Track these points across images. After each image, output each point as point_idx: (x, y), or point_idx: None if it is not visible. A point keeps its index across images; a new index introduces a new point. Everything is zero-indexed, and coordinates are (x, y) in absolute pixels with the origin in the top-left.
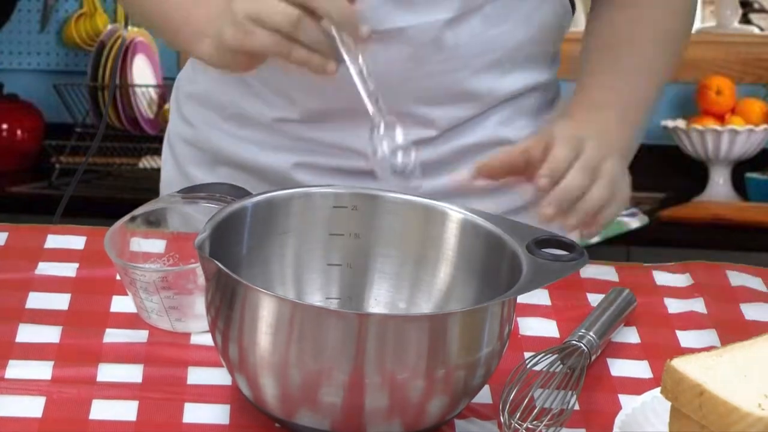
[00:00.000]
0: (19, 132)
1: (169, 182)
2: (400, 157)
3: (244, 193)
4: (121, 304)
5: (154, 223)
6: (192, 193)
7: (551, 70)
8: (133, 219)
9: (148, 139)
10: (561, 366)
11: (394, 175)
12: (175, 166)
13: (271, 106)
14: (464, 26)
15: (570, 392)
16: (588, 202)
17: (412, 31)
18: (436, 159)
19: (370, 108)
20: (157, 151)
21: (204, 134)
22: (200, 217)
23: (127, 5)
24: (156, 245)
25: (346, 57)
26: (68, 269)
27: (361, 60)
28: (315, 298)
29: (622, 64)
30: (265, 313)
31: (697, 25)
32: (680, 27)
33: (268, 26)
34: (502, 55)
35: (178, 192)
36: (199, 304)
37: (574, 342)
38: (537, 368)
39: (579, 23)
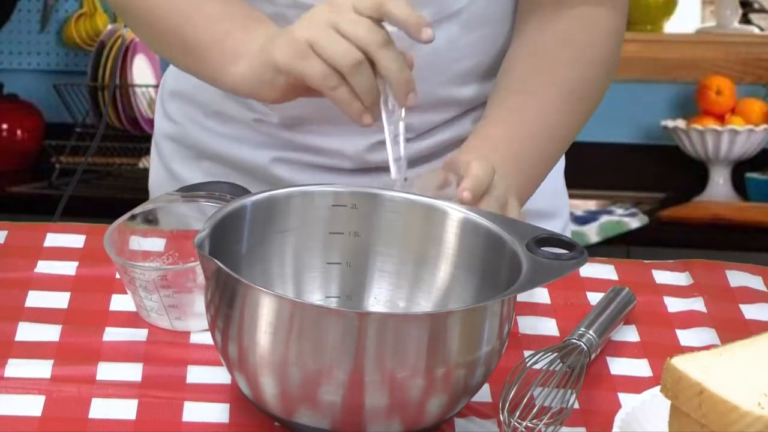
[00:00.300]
0: (19, 132)
1: (156, 180)
2: None
3: (243, 192)
4: (121, 302)
5: (153, 221)
6: (191, 192)
7: None
8: (132, 217)
9: (148, 139)
10: (561, 364)
11: None
12: (160, 163)
13: (252, 109)
14: (441, 32)
15: (570, 391)
16: None
17: None
18: (414, 154)
19: (394, 173)
20: None
21: (187, 130)
22: (199, 216)
23: (128, 20)
24: (155, 244)
25: (385, 117)
26: (68, 268)
27: (401, 126)
28: (315, 296)
29: (525, 113)
30: (265, 311)
31: (697, 25)
32: (592, 95)
33: (327, 58)
34: (480, 61)
35: (178, 191)
36: (198, 302)
37: (573, 340)
38: (537, 367)
39: None
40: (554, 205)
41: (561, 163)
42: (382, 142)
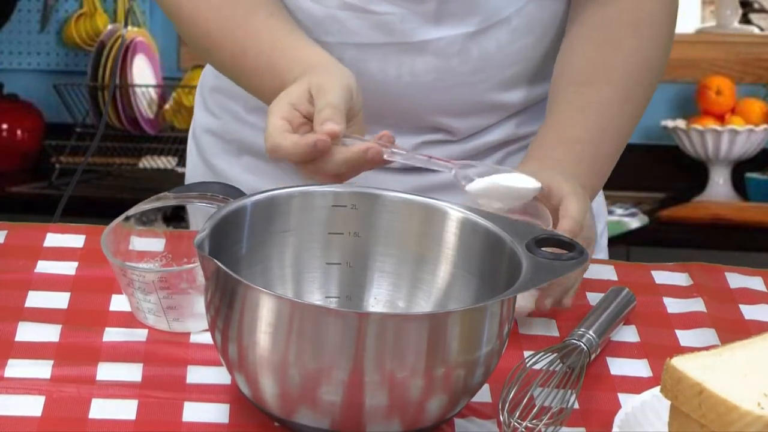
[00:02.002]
0: (19, 132)
1: (194, 175)
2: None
3: (236, 192)
4: (121, 303)
5: (147, 222)
6: (183, 192)
7: None
8: (127, 219)
9: (148, 139)
10: (560, 365)
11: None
12: (199, 157)
13: None
14: (491, 38)
15: (569, 391)
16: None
17: (439, 43)
18: (459, 154)
19: (440, 167)
20: (157, 151)
21: (228, 125)
22: (195, 215)
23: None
24: (151, 244)
25: (389, 157)
26: (67, 268)
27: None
28: (314, 297)
29: (593, 108)
30: (265, 312)
31: (697, 25)
32: (653, 75)
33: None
34: (526, 66)
35: (171, 191)
36: (197, 303)
37: (573, 341)
38: (536, 367)
39: None
40: (596, 204)
41: None
42: (431, 142)
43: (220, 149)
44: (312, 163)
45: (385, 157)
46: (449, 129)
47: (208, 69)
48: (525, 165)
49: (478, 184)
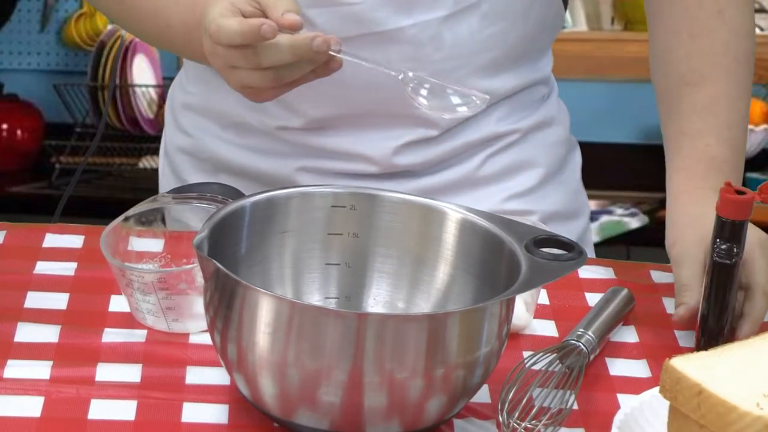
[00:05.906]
0: (19, 132)
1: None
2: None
3: (234, 193)
4: (120, 303)
5: (146, 223)
6: (182, 193)
7: (546, 66)
8: (126, 219)
9: (148, 139)
10: (559, 365)
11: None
12: (173, 176)
13: (273, 117)
14: (462, 24)
15: (568, 391)
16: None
17: (411, 30)
18: (439, 156)
19: (391, 72)
20: (157, 152)
21: (203, 143)
22: (193, 216)
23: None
24: (150, 245)
25: (335, 53)
26: (67, 268)
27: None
28: (314, 297)
29: (717, 105)
30: (264, 312)
31: None
32: (750, 45)
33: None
34: (500, 54)
35: (169, 192)
36: (196, 304)
37: (572, 341)
38: (536, 368)
39: (579, 23)
40: (576, 205)
41: (578, 160)
42: (409, 144)
43: (194, 168)
44: (254, 52)
45: (332, 50)
46: (429, 121)
47: (177, 87)
48: (678, 200)
49: (429, 102)
